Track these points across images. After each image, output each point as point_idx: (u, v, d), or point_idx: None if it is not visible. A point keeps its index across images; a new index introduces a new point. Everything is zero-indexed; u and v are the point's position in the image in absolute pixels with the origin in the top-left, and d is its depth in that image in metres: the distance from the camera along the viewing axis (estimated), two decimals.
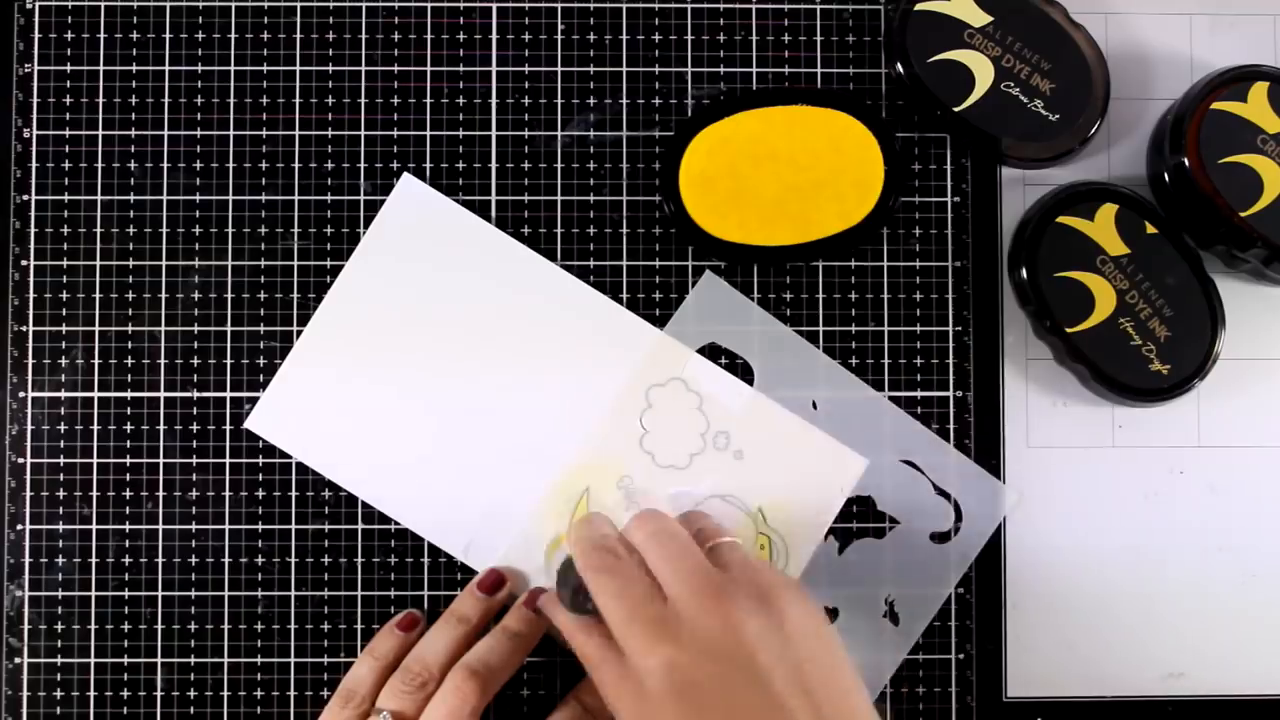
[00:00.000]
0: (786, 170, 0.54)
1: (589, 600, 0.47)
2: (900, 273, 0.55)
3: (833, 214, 0.54)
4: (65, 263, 0.54)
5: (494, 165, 0.55)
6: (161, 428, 0.54)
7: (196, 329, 0.55)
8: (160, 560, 0.54)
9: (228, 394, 0.54)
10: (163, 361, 0.54)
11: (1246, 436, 0.55)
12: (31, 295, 0.54)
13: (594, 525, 0.50)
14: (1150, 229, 0.53)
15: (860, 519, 0.54)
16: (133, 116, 0.55)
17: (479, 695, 0.49)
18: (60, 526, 0.54)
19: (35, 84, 0.55)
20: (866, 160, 0.54)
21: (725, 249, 0.54)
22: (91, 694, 0.53)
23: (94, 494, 0.54)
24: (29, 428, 0.54)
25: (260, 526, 0.54)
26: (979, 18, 0.54)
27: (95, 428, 0.54)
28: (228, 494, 0.54)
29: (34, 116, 0.55)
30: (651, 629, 0.45)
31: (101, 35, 0.55)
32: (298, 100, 0.55)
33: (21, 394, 0.54)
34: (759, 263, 0.55)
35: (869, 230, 0.54)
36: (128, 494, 0.54)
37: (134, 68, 0.55)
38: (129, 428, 0.54)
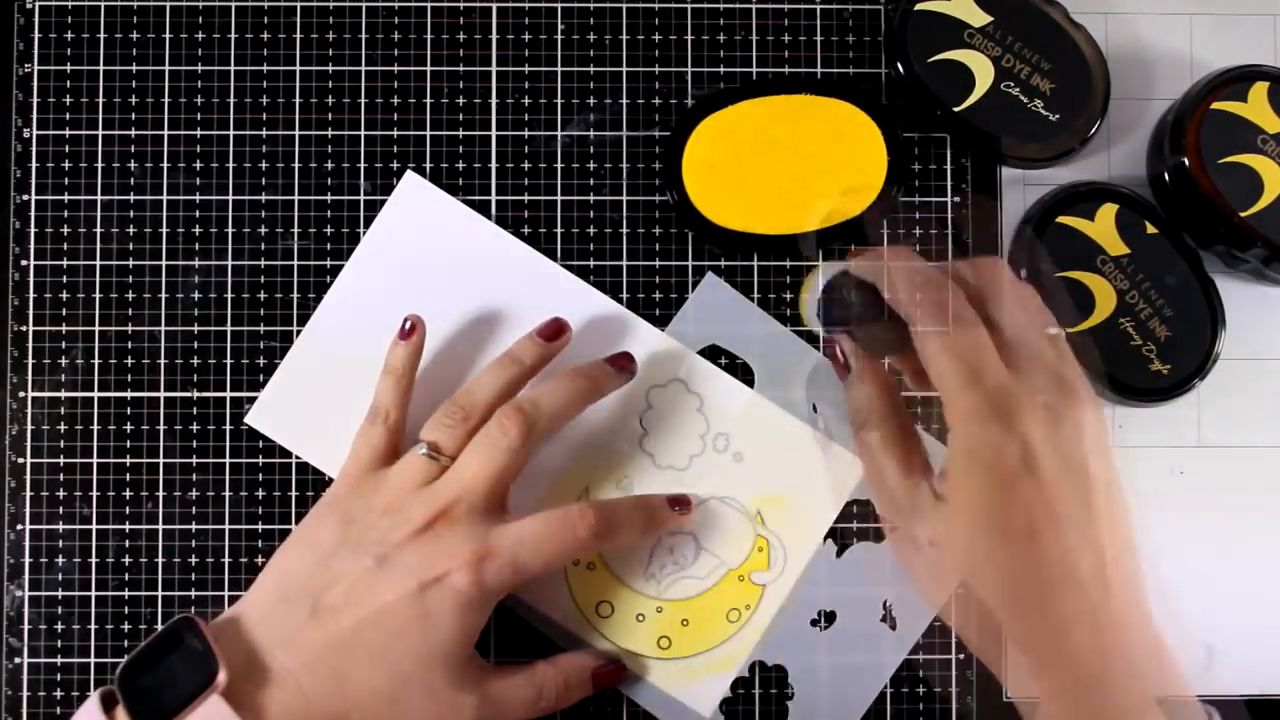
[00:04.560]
0: (790, 159, 0.54)
1: (850, 320, 0.47)
2: None
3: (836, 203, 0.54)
4: (65, 263, 0.55)
5: (494, 165, 0.55)
6: (161, 428, 0.54)
7: (196, 329, 0.55)
8: (160, 560, 0.54)
9: (228, 394, 0.54)
10: (163, 361, 0.54)
11: (1246, 436, 0.55)
12: (31, 295, 0.54)
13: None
14: (1150, 229, 0.53)
15: (859, 522, 0.54)
16: (133, 116, 0.55)
17: (521, 433, 0.48)
18: (60, 526, 0.54)
19: (35, 84, 0.55)
20: (869, 150, 0.54)
21: (728, 237, 0.54)
22: (91, 694, 0.53)
23: (94, 494, 0.54)
24: (29, 428, 0.54)
25: (260, 526, 0.54)
26: (979, 18, 0.54)
27: (95, 428, 0.54)
28: (228, 494, 0.54)
29: (34, 116, 0.55)
30: (978, 411, 0.44)
31: (101, 35, 0.55)
32: (298, 100, 0.55)
33: (21, 394, 0.54)
34: (761, 251, 0.55)
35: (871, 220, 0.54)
36: (128, 494, 0.54)
37: (134, 68, 0.55)
38: (129, 428, 0.54)
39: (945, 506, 0.46)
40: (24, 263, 0.54)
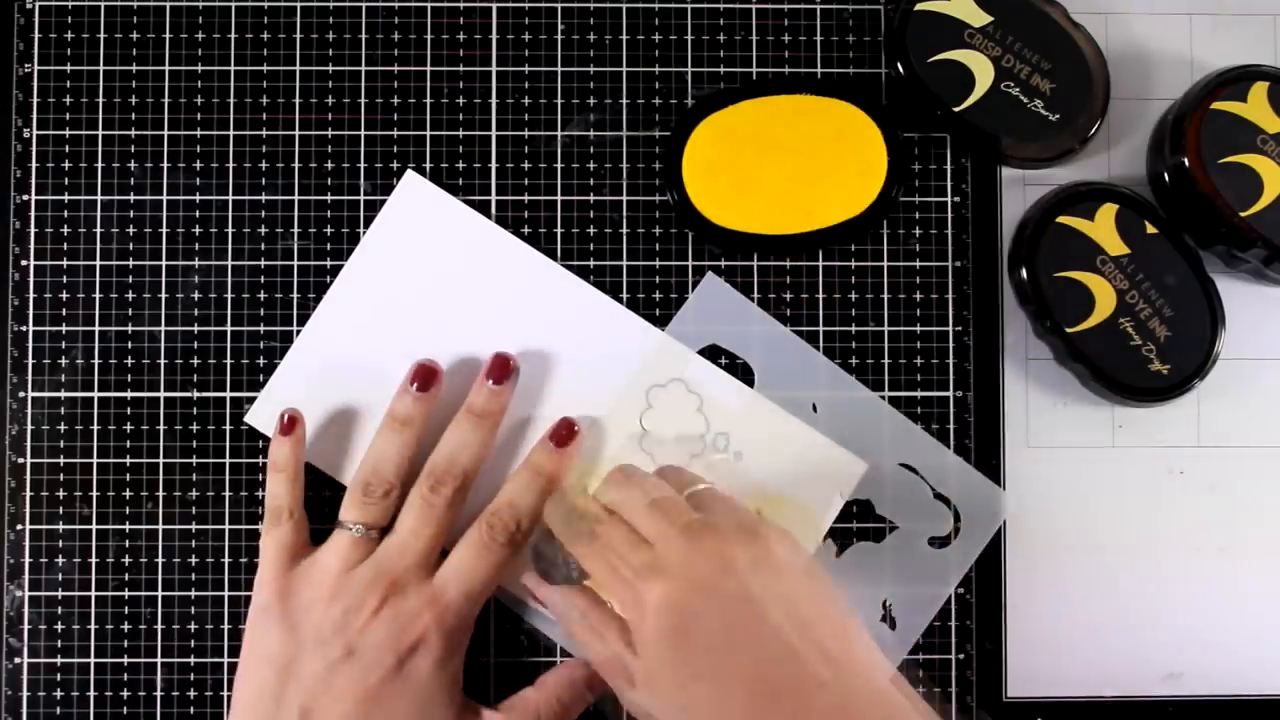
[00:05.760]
0: (790, 159, 0.54)
1: (569, 571, 0.48)
2: (900, 273, 0.55)
3: (836, 203, 0.54)
4: (65, 263, 0.55)
5: (494, 165, 0.55)
6: (161, 428, 0.54)
7: (196, 329, 0.55)
8: (160, 560, 0.54)
9: (228, 394, 0.54)
10: (163, 361, 0.54)
11: (1246, 436, 0.55)
12: (31, 295, 0.54)
13: (566, 496, 0.50)
14: (1150, 229, 0.53)
15: (859, 521, 0.54)
16: (133, 116, 0.55)
17: (452, 492, 0.50)
18: (60, 526, 0.54)
19: (35, 84, 0.55)
20: (869, 150, 0.54)
21: (728, 237, 0.54)
22: (91, 694, 0.53)
23: (94, 494, 0.54)
24: (29, 428, 0.54)
25: (260, 526, 0.54)
26: (979, 18, 0.54)
27: (95, 428, 0.54)
28: (228, 494, 0.54)
29: (34, 116, 0.55)
30: (639, 574, 0.44)
31: (101, 35, 0.55)
32: (298, 100, 0.55)
33: (21, 394, 0.54)
34: (761, 251, 0.55)
35: (871, 220, 0.54)
36: (128, 494, 0.54)
37: (134, 68, 0.55)
38: (129, 428, 0.54)
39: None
40: (24, 263, 0.54)
